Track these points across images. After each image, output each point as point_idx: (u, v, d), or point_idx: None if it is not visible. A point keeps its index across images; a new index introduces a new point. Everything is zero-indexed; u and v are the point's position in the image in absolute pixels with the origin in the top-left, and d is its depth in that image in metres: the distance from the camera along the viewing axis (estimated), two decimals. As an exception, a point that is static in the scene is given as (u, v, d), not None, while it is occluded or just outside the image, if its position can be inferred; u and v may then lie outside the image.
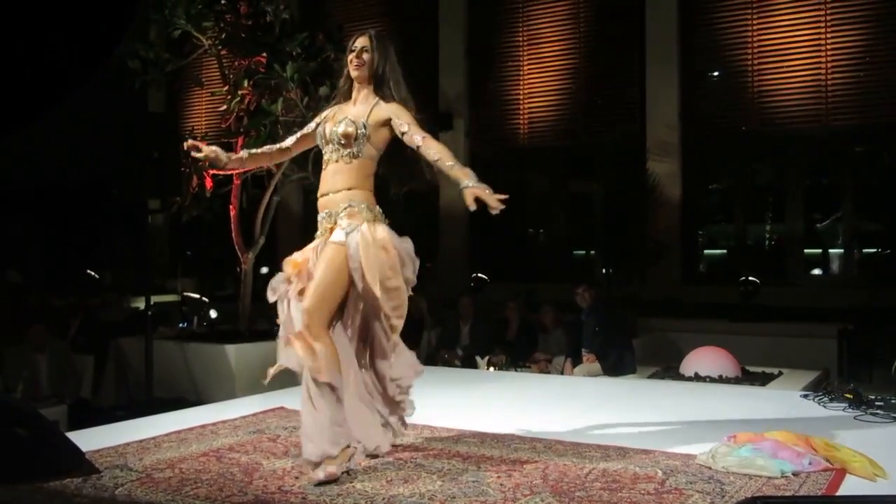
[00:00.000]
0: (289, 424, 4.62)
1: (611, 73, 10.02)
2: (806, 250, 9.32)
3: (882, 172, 9.21)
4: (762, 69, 9.13)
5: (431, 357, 7.80)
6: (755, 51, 9.16)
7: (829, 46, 8.80)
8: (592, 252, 10.52)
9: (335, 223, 3.67)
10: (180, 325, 9.05)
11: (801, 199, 9.27)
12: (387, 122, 3.71)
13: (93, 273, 12.45)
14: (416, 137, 3.64)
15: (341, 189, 3.70)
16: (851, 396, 4.92)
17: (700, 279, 9.68)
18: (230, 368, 6.35)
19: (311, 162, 6.74)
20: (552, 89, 10.33)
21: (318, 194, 3.79)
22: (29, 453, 3.52)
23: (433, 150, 3.63)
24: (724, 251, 10.07)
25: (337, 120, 3.75)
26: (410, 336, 8.66)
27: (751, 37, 9.19)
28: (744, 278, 8.72)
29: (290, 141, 4.06)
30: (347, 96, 3.85)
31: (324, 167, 3.78)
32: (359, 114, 3.72)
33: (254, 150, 4.13)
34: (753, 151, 9.55)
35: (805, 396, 5.31)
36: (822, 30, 8.82)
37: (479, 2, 10.77)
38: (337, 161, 3.72)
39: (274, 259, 11.50)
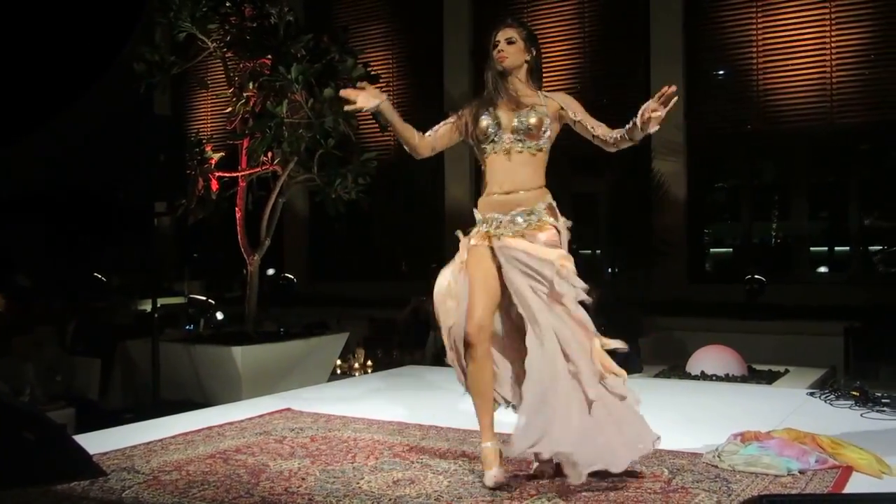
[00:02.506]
0: (295, 426, 4.63)
1: (615, 73, 10.00)
2: (812, 248, 9.30)
3: (888, 170, 9.18)
4: (767, 68, 9.11)
5: (437, 357, 7.80)
6: (760, 49, 9.15)
7: (834, 44, 8.77)
8: (598, 251, 10.52)
9: (540, 221, 3.51)
10: (187, 327, 9.07)
11: (806, 198, 9.25)
12: (558, 114, 3.61)
13: (99, 276, 12.48)
14: (590, 124, 3.60)
15: (532, 188, 3.55)
16: (858, 394, 4.92)
17: (706, 278, 9.66)
18: (237, 370, 6.36)
19: (316, 164, 6.75)
20: (556, 89, 10.27)
21: (499, 191, 3.52)
22: (36, 456, 3.54)
23: (609, 133, 3.59)
24: (730, 250, 10.05)
25: (499, 112, 3.53)
26: (417, 336, 8.72)
27: (755, 35, 9.17)
28: (750, 277, 8.71)
29: (432, 135, 3.71)
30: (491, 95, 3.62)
31: (492, 163, 3.55)
32: (536, 104, 3.56)
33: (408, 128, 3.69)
34: (759, 150, 9.53)
35: (811, 394, 5.30)
36: (828, 28, 8.79)
37: (483, 2, 10.77)
38: (521, 152, 3.53)
39: (280, 261, 11.61)
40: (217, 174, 7.00)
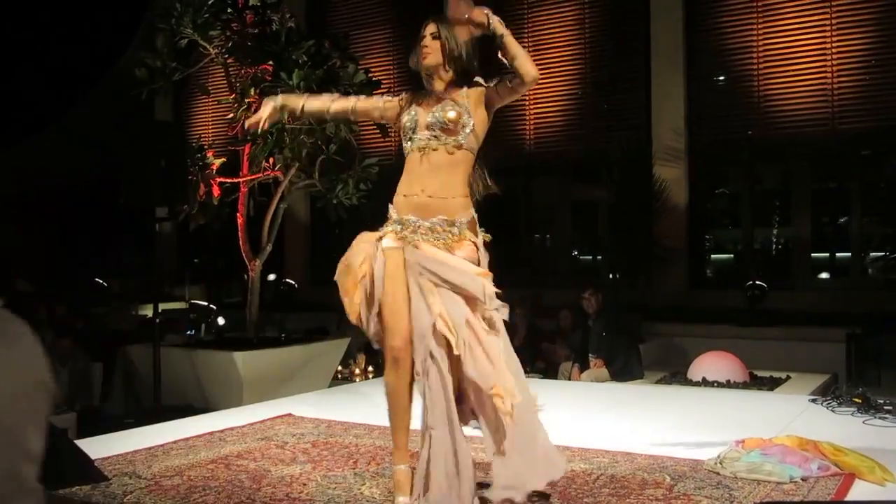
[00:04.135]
0: (296, 431, 4.62)
1: (617, 79, 10.02)
2: (813, 254, 9.31)
3: (890, 176, 9.19)
4: (768, 73, 9.13)
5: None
6: (761, 55, 9.17)
7: (834, 50, 8.79)
8: (599, 257, 10.53)
9: (461, 235, 3.22)
10: (188, 332, 9.07)
11: (808, 203, 9.26)
12: (484, 98, 3.29)
13: (101, 281, 12.49)
14: (509, 77, 3.20)
15: (455, 195, 3.25)
16: (860, 401, 4.91)
17: (707, 284, 9.67)
18: (238, 376, 6.36)
19: (317, 170, 6.76)
20: (558, 95, 10.34)
21: (419, 192, 3.23)
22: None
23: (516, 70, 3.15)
24: (731, 256, 10.06)
25: (419, 109, 3.30)
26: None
27: (756, 41, 9.19)
28: (751, 283, 8.71)
29: (353, 101, 3.49)
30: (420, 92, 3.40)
31: (411, 162, 3.28)
32: (457, 97, 3.28)
33: (311, 98, 3.52)
34: (760, 156, 9.54)
35: (813, 401, 5.29)
36: (828, 33, 8.81)
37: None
38: (436, 150, 3.23)
39: (281, 266, 11.61)
40: (218, 180, 7.00)
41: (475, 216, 3.32)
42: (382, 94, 3.76)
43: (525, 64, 3.13)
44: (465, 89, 3.29)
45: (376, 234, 3.29)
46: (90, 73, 14.23)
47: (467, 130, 3.24)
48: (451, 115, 3.22)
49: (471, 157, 3.30)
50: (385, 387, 3.26)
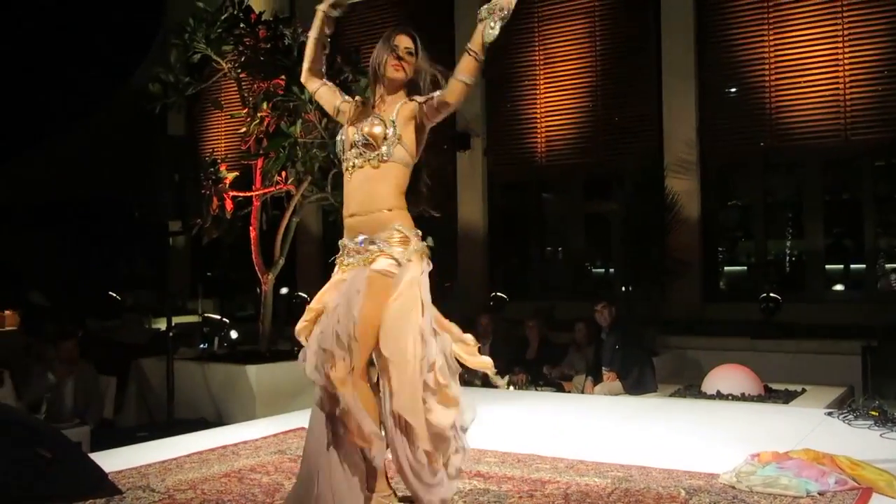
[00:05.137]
0: (309, 445, 4.61)
1: (628, 91, 10.03)
2: (827, 266, 9.25)
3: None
4: (780, 85, 9.11)
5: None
6: (772, 67, 9.15)
7: (846, 61, 8.77)
8: (611, 270, 10.50)
9: (381, 252, 3.09)
10: (201, 345, 9.09)
11: (821, 215, 9.21)
12: (417, 112, 3.17)
13: (114, 294, 12.55)
14: (443, 92, 3.10)
15: (374, 210, 3.13)
16: (877, 414, 4.87)
17: (721, 296, 9.63)
18: (251, 389, 6.36)
19: (329, 183, 6.78)
20: (569, 108, 10.35)
21: (346, 213, 3.18)
22: (52, 474, 3.54)
23: (455, 76, 3.05)
24: (745, 268, 10.01)
25: (350, 128, 3.24)
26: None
27: (767, 53, 9.18)
28: (765, 295, 8.66)
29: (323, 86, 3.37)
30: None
31: (344, 183, 3.22)
32: (384, 112, 3.20)
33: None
34: (772, 167, 9.52)
35: (829, 414, 5.25)
36: (840, 44, 8.79)
37: (494, 21, 10.82)
38: (362, 167, 3.15)
39: (293, 280, 11.63)
40: (231, 193, 7.03)
41: (409, 229, 3.15)
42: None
43: (461, 88, 3.03)
44: (399, 104, 3.20)
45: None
46: (104, 88, 14.36)
47: (391, 143, 3.12)
48: (376, 129, 3.13)
49: (402, 170, 3.18)
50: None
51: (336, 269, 3.23)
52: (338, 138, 3.28)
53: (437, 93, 3.12)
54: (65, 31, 14.37)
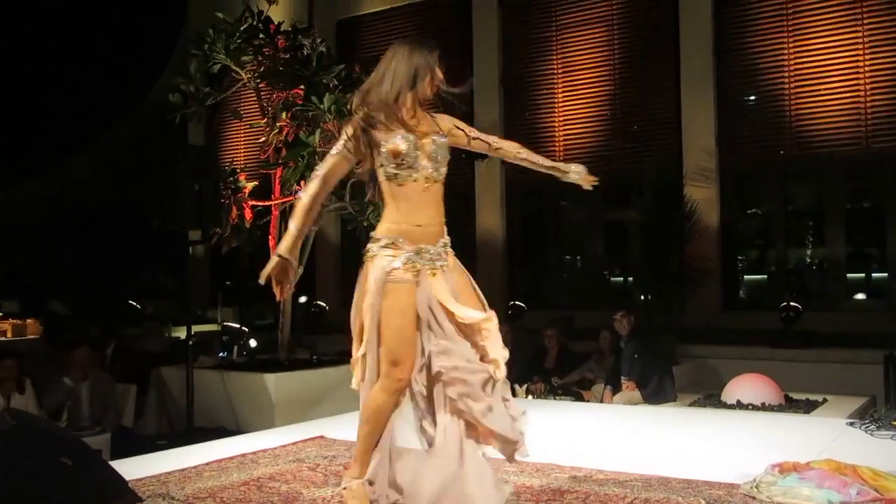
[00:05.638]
0: (328, 453, 4.62)
1: (646, 99, 10.01)
2: (849, 274, 9.17)
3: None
4: (799, 92, 9.06)
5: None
6: (792, 74, 9.10)
7: (867, 67, 8.71)
8: (630, 279, 10.46)
9: (439, 268, 3.25)
10: (220, 354, 9.14)
11: (842, 223, 9.14)
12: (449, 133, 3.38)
13: (134, 303, 12.64)
14: (490, 138, 3.49)
15: (441, 221, 3.33)
16: (899, 424, 4.82)
17: (740, 305, 9.57)
18: (270, 397, 6.39)
19: (348, 192, 6.80)
20: (587, 116, 10.34)
21: (418, 221, 3.24)
22: (74, 482, 3.56)
23: (514, 147, 3.52)
24: (765, 276, 9.95)
25: (412, 136, 3.26)
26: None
27: (787, 60, 9.13)
28: (785, 304, 8.60)
29: (321, 176, 3.33)
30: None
31: (404, 195, 3.24)
32: (437, 129, 3.35)
33: (299, 218, 3.34)
34: (792, 175, 9.46)
35: (851, 424, 5.20)
36: (861, 51, 8.74)
37: (512, 31, 10.85)
38: (437, 181, 3.28)
39: (312, 289, 11.66)
40: (251, 203, 7.07)
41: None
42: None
43: (485, 147, 3.49)
44: (445, 125, 3.38)
45: (378, 270, 3.22)
46: (125, 100, 14.49)
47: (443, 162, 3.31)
48: (445, 149, 3.31)
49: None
50: (371, 406, 3.25)
51: (401, 268, 3.20)
52: (401, 144, 3.23)
53: (471, 131, 3.44)
54: (85, 44, 14.53)
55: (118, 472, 3.79)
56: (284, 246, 3.31)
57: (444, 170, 3.29)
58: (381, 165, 3.25)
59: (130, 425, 7.10)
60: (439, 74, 3.33)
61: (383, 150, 3.22)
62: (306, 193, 3.34)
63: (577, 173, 3.66)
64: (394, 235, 3.22)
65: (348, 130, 3.30)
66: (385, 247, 3.22)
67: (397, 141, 3.21)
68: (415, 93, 3.29)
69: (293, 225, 3.31)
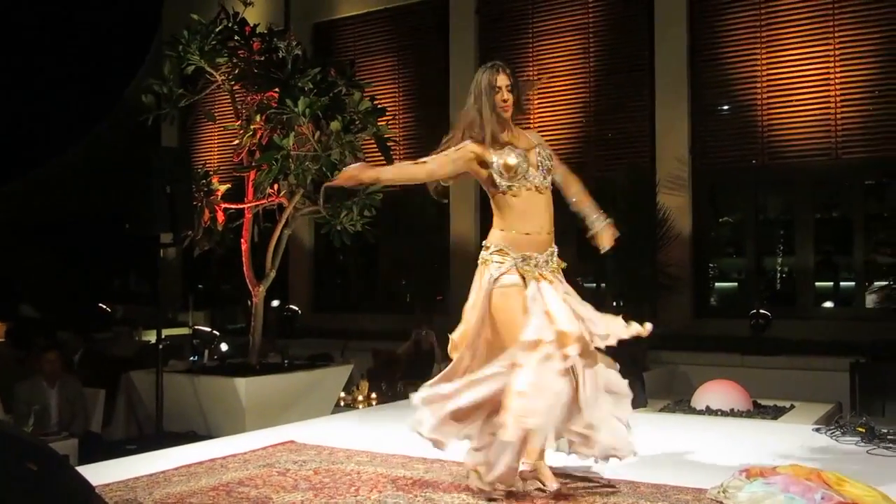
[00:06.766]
0: (299, 458, 4.61)
1: (620, 108, 10.07)
2: (817, 283, 9.28)
3: (893, 205, 9.19)
4: (771, 103, 9.16)
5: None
6: (764, 85, 9.21)
7: (838, 80, 8.83)
8: (603, 284, 10.50)
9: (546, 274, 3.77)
10: (191, 358, 9.07)
11: (811, 232, 9.25)
12: None
13: (104, 306, 12.52)
14: (562, 167, 3.95)
15: (546, 231, 3.86)
16: (864, 430, 4.88)
17: (711, 312, 9.64)
18: (240, 402, 6.35)
19: (322, 196, 6.79)
20: (562, 123, 10.39)
21: (532, 230, 3.78)
22: (39, 488, 3.52)
23: (576, 185, 3.99)
24: (736, 284, 10.04)
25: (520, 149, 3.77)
26: (421, 369, 8.71)
27: (760, 71, 9.24)
28: (755, 311, 8.69)
29: (430, 172, 3.86)
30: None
31: (513, 205, 3.74)
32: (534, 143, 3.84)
33: (393, 173, 4.04)
34: (763, 185, 9.56)
35: (817, 430, 5.27)
36: (832, 64, 8.85)
37: (489, 37, 10.88)
38: (548, 188, 3.80)
39: (285, 292, 11.61)
40: (223, 206, 7.04)
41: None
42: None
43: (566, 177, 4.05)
44: (540, 141, 3.88)
45: (491, 281, 3.70)
46: (98, 104, 14.36)
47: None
48: (550, 158, 3.81)
49: None
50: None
51: (512, 272, 3.70)
52: (513, 160, 3.69)
53: (559, 165, 3.93)
54: (57, 46, 14.37)
55: (85, 477, 3.75)
56: (373, 169, 3.80)
57: (549, 179, 3.75)
58: (494, 180, 3.70)
59: (99, 430, 7.03)
60: (501, 84, 3.71)
61: (495, 165, 3.68)
62: (421, 167, 3.81)
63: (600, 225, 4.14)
64: (502, 243, 3.72)
65: (454, 155, 3.77)
66: (494, 253, 3.72)
67: (508, 156, 3.68)
68: (498, 119, 3.74)
69: (389, 173, 3.94)
